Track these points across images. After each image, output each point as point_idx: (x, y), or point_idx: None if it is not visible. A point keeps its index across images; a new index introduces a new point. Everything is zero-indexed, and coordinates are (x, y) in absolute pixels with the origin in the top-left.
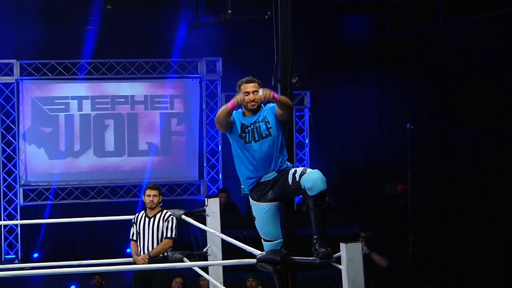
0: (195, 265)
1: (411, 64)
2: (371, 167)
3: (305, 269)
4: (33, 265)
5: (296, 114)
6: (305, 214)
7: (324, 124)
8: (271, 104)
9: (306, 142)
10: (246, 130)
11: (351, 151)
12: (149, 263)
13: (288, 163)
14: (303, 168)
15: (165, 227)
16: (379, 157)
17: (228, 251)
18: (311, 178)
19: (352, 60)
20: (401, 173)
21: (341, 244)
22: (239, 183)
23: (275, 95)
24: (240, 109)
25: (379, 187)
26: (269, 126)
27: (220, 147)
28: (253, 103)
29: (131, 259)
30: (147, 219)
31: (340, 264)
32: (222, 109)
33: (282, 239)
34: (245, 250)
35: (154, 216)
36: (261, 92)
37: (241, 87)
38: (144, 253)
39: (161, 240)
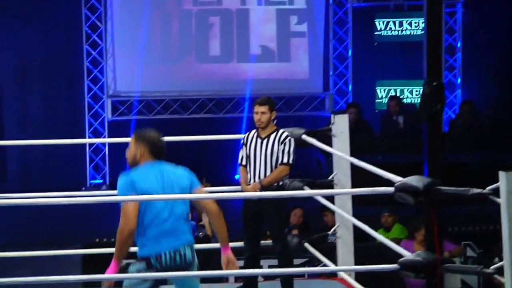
0: (318, 193)
1: None
2: None
3: (454, 203)
4: None
5: (446, 10)
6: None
7: (483, 23)
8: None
9: (458, 45)
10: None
11: None
12: None
13: None
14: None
15: (280, 150)
16: None
17: (358, 179)
18: None
19: None
20: None
21: (500, 172)
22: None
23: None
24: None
25: None
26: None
27: (350, 51)
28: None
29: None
30: (259, 140)
31: (498, 197)
32: None
33: None
34: (381, 177)
35: (268, 137)
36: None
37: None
38: (255, 181)
39: (276, 167)
